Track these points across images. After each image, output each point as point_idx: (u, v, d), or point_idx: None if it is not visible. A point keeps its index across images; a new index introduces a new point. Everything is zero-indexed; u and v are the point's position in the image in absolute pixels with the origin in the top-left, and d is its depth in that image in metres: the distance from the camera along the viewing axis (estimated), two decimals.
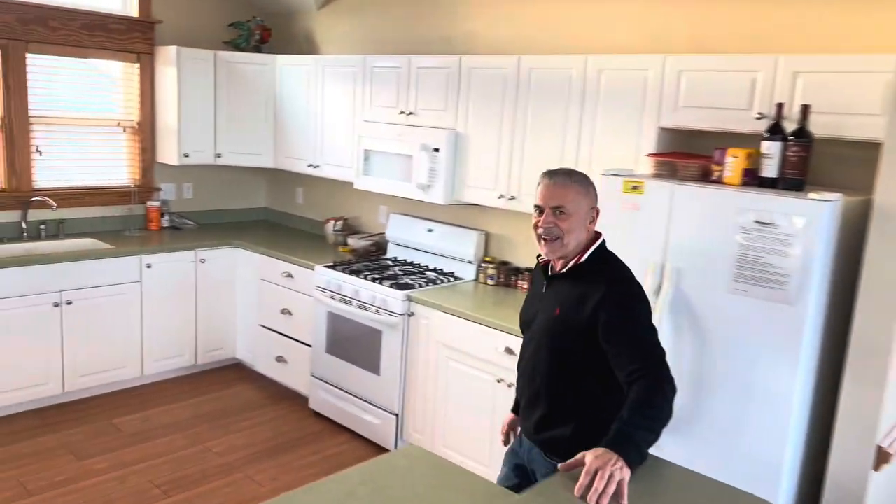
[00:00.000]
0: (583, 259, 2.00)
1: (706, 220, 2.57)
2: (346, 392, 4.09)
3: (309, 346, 4.35)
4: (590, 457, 1.69)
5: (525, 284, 3.91)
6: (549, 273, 2.09)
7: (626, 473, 1.67)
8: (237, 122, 4.91)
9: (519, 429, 2.27)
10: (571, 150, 3.35)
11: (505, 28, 3.94)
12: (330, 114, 4.54)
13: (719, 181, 2.68)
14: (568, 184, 1.98)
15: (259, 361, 4.80)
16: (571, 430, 2.01)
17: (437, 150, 3.83)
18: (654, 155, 2.92)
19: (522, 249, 4.01)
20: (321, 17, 5.03)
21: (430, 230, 4.32)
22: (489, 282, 4.02)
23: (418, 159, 3.89)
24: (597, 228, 2.06)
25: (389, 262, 4.40)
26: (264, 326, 4.69)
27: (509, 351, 3.27)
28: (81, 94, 4.67)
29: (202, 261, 4.67)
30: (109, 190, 4.81)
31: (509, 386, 3.30)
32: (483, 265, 4.05)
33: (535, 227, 2.01)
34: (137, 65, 4.79)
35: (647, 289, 2.62)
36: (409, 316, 3.73)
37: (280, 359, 4.59)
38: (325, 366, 4.20)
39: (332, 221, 4.91)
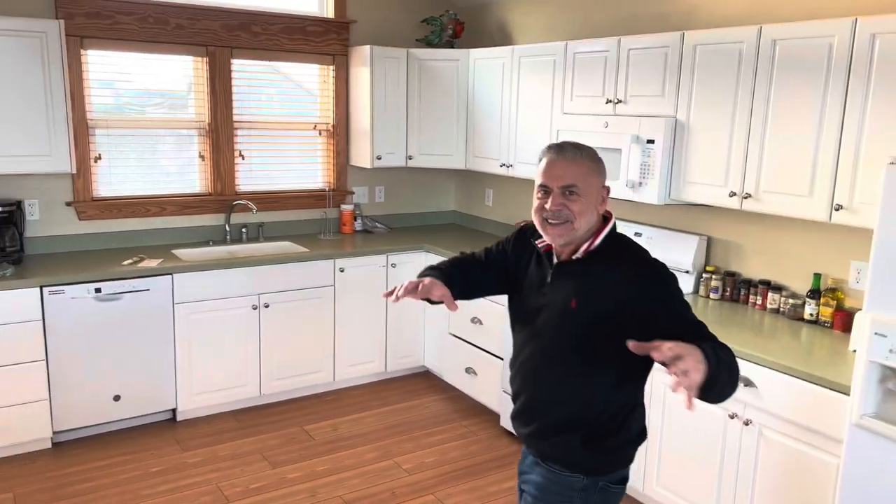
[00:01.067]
0: (597, 242, 1.78)
1: None
2: None
3: (500, 358, 4.02)
4: (673, 343, 1.48)
5: (758, 299, 3.30)
6: (556, 260, 1.84)
7: (700, 376, 1.45)
8: (428, 123, 4.72)
9: (437, 296, 1.81)
10: (830, 136, 2.71)
11: None
12: (525, 109, 4.18)
13: None
14: (579, 159, 1.75)
15: (447, 371, 4.57)
16: (582, 437, 1.80)
17: (651, 141, 3.33)
18: None
19: (754, 259, 3.39)
20: (516, 6, 4.70)
21: (638, 234, 3.81)
22: (712, 295, 3.44)
23: (628, 153, 3.42)
24: None
25: None
26: (454, 335, 4.44)
27: (747, 382, 2.70)
28: (279, 98, 4.72)
29: (393, 265, 4.52)
30: (306, 194, 4.82)
31: (746, 423, 2.73)
32: (705, 276, 3.49)
33: (539, 210, 1.78)
34: (332, 66, 4.76)
35: None
36: None
37: (469, 370, 4.31)
38: None
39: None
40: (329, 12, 4.71)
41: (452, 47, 4.81)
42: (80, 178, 4.05)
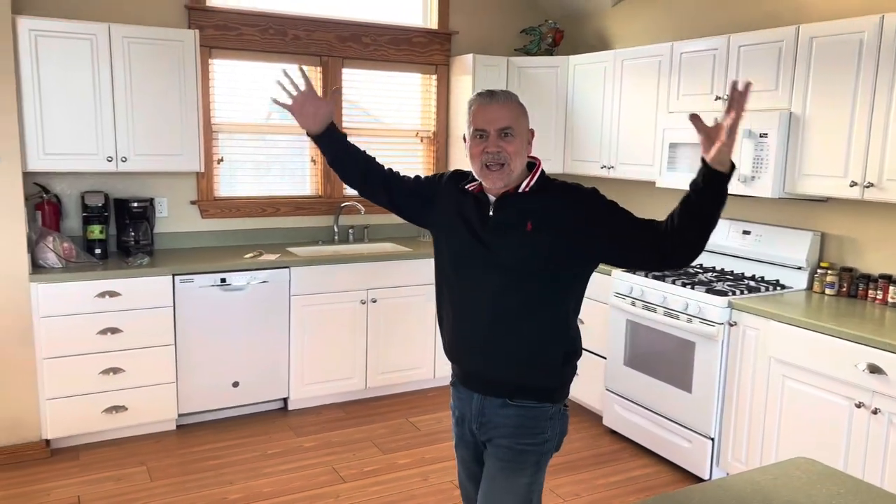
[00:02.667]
0: (535, 179, 1.88)
1: None
2: (648, 410, 3.70)
3: (603, 357, 4.04)
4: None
5: (878, 294, 3.23)
6: (492, 198, 1.89)
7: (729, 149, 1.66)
8: None
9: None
10: None
11: None
12: (627, 110, 4.25)
13: None
14: (510, 102, 1.85)
15: None
16: (562, 358, 1.90)
17: (764, 135, 3.34)
18: None
19: (872, 253, 3.33)
20: (614, 14, 4.79)
21: (746, 231, 3.80)
22: (827, 291, 3.39)
23: (740, 148, 3.43)
24: None
25: (696, 269, 3.95)
26: None
27: (874, 369, 2.66)
28: (383, 106, 4.92)
29: None
30: None
31: (874, 412, 2.68)
32: (819, 272, 3.44)
33: (478, 155, 1.83)
34: (435, 76, 4.95)
35: None
36: (731, 326, 3.26)
37: None
38: (624, 380, 3.86)
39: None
40: (433, 24, 4.91)
41: (551, 55, 4.93)
42: (203, 179, 4.33)
